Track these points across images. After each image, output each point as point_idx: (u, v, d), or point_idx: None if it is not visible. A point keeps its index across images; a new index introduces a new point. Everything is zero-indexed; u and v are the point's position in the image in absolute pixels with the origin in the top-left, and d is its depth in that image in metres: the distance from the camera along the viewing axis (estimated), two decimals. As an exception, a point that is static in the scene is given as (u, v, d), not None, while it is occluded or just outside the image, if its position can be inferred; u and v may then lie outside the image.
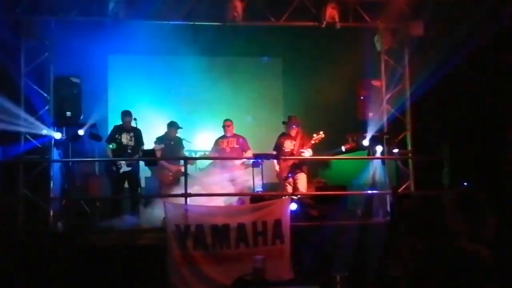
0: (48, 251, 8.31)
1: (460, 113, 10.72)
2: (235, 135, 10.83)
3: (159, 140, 10.62)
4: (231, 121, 10.87)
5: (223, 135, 10.84)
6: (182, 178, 9.87)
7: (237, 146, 10.72)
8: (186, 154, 11.09)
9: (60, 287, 8.14)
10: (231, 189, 10.02)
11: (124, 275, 8.25)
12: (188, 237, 8.42)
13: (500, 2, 9.92)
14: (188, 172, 9.50)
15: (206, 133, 12.10)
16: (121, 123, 10.25)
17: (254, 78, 12.71)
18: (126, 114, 10.18)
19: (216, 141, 10.90)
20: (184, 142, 11.03)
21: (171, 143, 10.70)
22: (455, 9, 10.26)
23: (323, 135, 10.07)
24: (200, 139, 12.08)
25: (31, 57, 10.02)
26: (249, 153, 10.55)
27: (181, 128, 10.93)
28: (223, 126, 10.81)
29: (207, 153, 11.33)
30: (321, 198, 9.92)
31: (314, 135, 10.11)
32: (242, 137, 10.84)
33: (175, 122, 10.87)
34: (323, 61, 11.93)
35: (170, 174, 10.56)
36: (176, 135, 10.87)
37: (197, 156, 11.60)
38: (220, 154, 10.73)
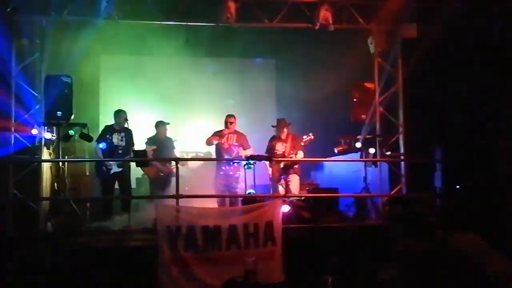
0: (37, 252, 8.22)
1: (453, 116, 10.73)
2: (235, 132, 10.66)
3: (150, 140, 10.54)
4: (234, 117, 10.66)
5: (221, 130, 10.61)
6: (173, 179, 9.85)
7: (236, 144, 10.56)
8: (178, 154, 11.02)
9: (50, 288, 8.06)
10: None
11: (114, 276, 8.18)
12: (179, 238, 8.35)
13: (493, 3, 9.94)
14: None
15: (198, 134, 12.04)
16: (112, 123, 10.16)
17: (247, 80, 12.66)
18: (120, 113, 10.07)
19: (216, 132, 10.65)
20: (174, 143, 10.97)
21: (162, 143, 10.61)
22: (448, 11, 10.25)
23: (313, 137, 10.08)
24: (192, 140, 12.01)
25: (22, 56, 9.97)
26: (249, 151, 10.39)
27: (168, 123, 10.77)
28: (226, 122, 10.57)
29: (201, 154, 11.28)
30: (313, 200, 9.88)
31: (304, 136, 10.12)
32: (243, 135, 10.69)
33: (162, 121, 10.77)
34: (317, 62, 11.92)
35: (162, 174, 10.48)
36: (166, 134, 10.78)
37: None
38: (217, 148, 10.61)
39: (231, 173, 10.39)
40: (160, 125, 10.73)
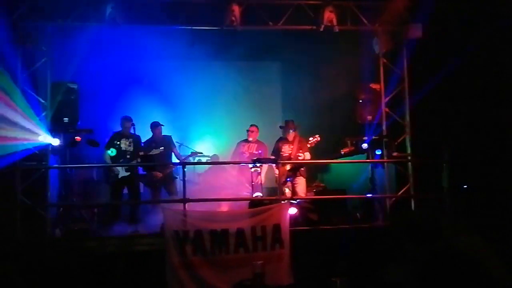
0: (46, 258, 8.24)
1: (459, 115, 10.69)
2: (257, 141, 10.85)
3: (146, 143, 10.42)
4: (256, 126, 10.87)
5: (246, 139, 10.86)
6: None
7: (256, 152, 10.66)
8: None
9: (59, 294, 8.07)
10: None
11: (122, 281, 8.20)
12: (187, 242, 8.38)
13: (498, 3, 9.90)
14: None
15: (205, 138, 12.05)
16: (120, 129, 10.18)
17: (252, 82, 12.64)
18: (126, 120, 10.10)
19: (238, 143, 10.93)
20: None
21: (160, 144, 10.37)
22: (454, 12, 10.23)
23: (319, 138, 10.06)
24: (199, 144, 11.99)
25: (28, 62, 10.01)
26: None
27: (163, 125, 10.67)
28: (247, 131, 10.81)
29: (209, 158, 11.31)
30: (320, 202, 9.86)
31: (310, 138, 10.10)
32: (264, 145, 10.85)
33: (157, 122, 10.64)
34: (322, 64, 11.85)
35: (158, 178, 10.38)
36: (162, 134, 10.70)
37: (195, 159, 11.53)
38: (237, 158, 10.70)
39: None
40: (155, 126, 10.65)
